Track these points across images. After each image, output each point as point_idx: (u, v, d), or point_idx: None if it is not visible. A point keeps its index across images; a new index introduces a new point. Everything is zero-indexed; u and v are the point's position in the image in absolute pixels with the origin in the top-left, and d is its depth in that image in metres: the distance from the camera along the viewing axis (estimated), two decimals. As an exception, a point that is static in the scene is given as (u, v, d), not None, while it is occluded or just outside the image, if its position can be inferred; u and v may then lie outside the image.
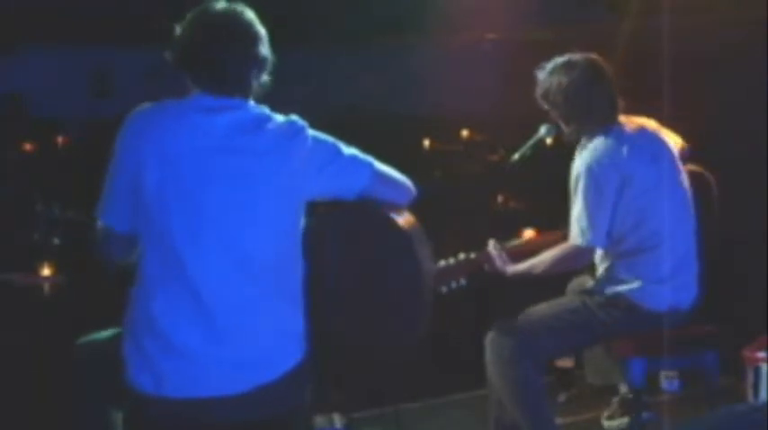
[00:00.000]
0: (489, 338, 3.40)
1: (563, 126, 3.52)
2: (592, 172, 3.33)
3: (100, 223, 2.39)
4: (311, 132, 2.42)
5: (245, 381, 2.29)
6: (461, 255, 3.43)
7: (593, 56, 3.49)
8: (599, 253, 3.45)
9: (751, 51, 5.03)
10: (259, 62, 2.40)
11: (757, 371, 3.56)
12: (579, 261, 3.41)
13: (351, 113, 8.68)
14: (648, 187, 3.36)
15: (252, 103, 2.41)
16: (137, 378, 2.29)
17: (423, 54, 8.22)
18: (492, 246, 3.46)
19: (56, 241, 2.99)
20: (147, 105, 2.36)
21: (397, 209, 2.49)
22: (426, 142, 8.61)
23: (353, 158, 2.45)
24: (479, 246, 3.47)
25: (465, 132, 8.48)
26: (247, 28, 2.39)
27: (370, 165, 2.47)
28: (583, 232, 3.33)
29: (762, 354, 3.56)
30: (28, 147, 7.74)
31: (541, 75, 3.50)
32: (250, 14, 2.41)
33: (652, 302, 3.34)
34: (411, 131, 8.37)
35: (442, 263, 3.38)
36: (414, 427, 4.13)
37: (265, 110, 2.41)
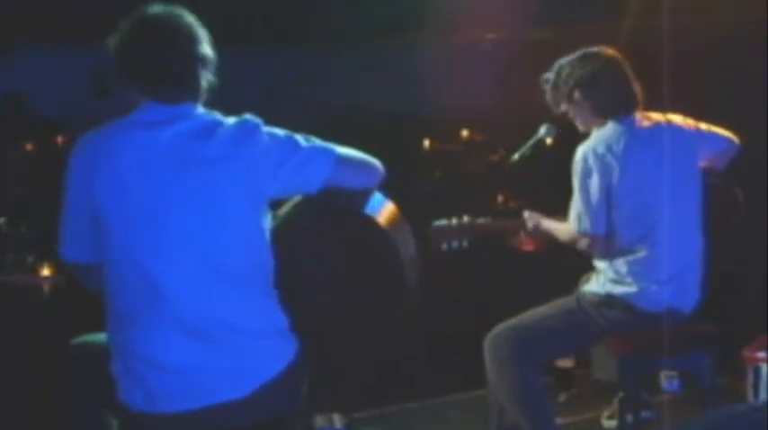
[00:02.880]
0: (488, 340, 3.41)
1: (582, 123, 3.48)
2: (586, 159, 3.33)
3: (64, 260, 2.37)
4: (266, 129, 2.37)
5: (241, 386, 2.29)
6: (465, 218, 3.48)
7: (609, 49, 3.48)
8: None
9: (751, 51, 5.03)
10: (202, 60, 2.37)
11: (757, 371, 3.56)
12: (582, 246, 3.40)
13: (351, 113, 8.68)
14: (647, 183, 3.34)
15: (201, 109, 2.38)
16: (129, 397, 2.29)
17: (423, 54, 8.20)
18: (526, 214, 3.55)
19: (29, 259, 2.97)
20: (90, 133, 2.33)
21: (369, 196, 2.44)
22: (426, 142, 8.60)
23: (312, 150, 2.38)
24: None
25: (465, 132, 8.47)
26: (186, 28, 2.37)
27: (331, 153, 2.39)
28: (579, 219, 3.34)
29: (762, 354, 3.56)
30: (28, 146, 7.73)
31: (557, 73, 3.46)
32: (189, 17, 2.39)
33: (648, 304, 3.33)
34: (411, 131, 8.36)
35: (447, 221, 3.46)
36: (414, 427, 4.13)
37: (215, 115, 2.38)
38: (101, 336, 2.47)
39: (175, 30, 2.36)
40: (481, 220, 3.52)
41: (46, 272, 3.88)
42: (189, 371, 2.26)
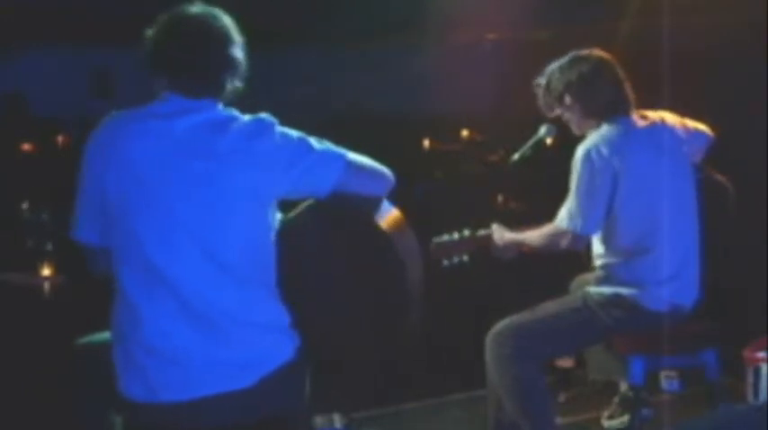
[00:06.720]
0: (490, 337, 3.40)
1: (577, 126, 3.49)
2: (590, 158, 3.30)
3: (76, 241, 2.39)
4: (279, 129, 2.39)
5: (241, 377, 2.29)
6: (466, 232, 3.49)
7: (600, 51, 3.48)
8: (599, 252, 3.45)
9: (751, 51, 5.04)
10: (233, 64, 2.40)
11: (757, 371, 3.55)
12: (563, 244, 3.37)
13: (351, 113, 8.69)
14: (648, 183, 3.34)
15: (220, 105, 2.40)
16: (129, 387, 2.30)
17: (423, 54, 8.22)
18: (494, 226, 3.53)
19: (49, 247, 2.99)
20: (109, 117, 2.36)
21: (378, 204, 2.45)
22: (426, 142, 8.60)
23: (324, 153, 2.39)
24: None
25: (465, 132, 8.47)
26: (221, 31, 2.39)
27: (342, 158, 2.40)
28: (570, 217, 3.32)
29: (762, 354, 3.55)
30: (28, 147, 7.73)
31: (548, 78, 3.47)
32: (226, 19, 2.42)
33: (652, 303, 3.33)
34: (411, 131, 8.37)
35: (447, 237, 3.48)
36: (414, 427, 4.14)
37: (232, 111, 2.40)
38: (104, 335, 2.47)
39: (208, 31, 2.38)
40: (481, 233, 3.51)
41: (46, 272, 3.88)
42: (188, 359, 2.27)
